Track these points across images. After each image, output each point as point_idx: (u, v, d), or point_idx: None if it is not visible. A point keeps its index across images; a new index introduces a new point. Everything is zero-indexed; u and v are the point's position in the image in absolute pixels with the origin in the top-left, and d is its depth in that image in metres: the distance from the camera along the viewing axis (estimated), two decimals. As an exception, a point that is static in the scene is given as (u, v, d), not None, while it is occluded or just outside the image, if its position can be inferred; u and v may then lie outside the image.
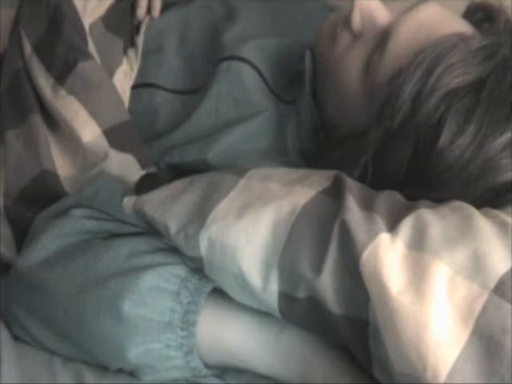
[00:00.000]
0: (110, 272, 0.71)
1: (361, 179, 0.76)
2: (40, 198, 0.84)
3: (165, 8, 1.04)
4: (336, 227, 0.66)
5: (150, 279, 0.70)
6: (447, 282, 0.62)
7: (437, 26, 0.79)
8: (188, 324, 0.70)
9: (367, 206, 0.68)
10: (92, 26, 0.98)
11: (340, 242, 0.65)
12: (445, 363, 0.60)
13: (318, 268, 0.65)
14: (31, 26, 0.96)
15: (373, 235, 0.65)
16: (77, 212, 0.77)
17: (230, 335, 0.72)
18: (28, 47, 0.94)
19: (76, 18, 0.96)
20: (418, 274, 0.63)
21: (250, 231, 0.68)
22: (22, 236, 0.81)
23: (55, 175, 0.87)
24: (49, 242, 0.76)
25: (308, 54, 0.89)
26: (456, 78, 0.74)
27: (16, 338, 0.77)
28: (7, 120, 0.91)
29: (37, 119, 0.89)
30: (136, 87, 0.98)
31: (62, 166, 0.87)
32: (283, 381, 0.72)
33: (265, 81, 0.94)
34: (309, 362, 0.71)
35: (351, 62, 0.83)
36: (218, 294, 0.72)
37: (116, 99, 0.92)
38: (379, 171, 0.77)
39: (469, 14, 0.87)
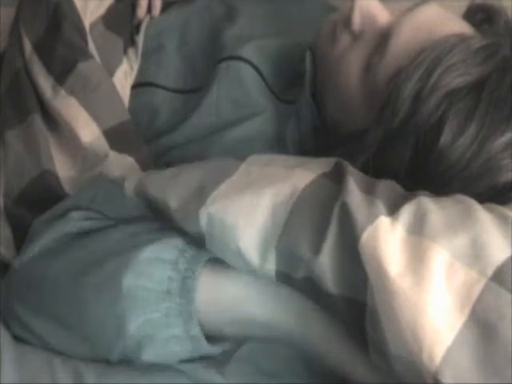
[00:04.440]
0: (109, 252, 0.72)
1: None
2: (40, 198, 0.84)
3: (165, 7, 1.04)
4: (336, 209, 0.66)
5: (148, 252, 0.71)
6: (446, 266, 0.63)
7: (437, 26, 0.79)
8: (186, 291, 0.70)
9: (368, 190, 0.68)
10: (92, 26, 0.98)
11: (340, 223, 0.66)
12: (440, 346, 0.60)
13: (316, 248, 0.65)
14: (31, 26, 0.95)
15: (373, 218, 0.65)
16: (75, 214, 0.77)
17: (230, 289, 0.72)
18: (28, 47, 0.94)
19: (76, 17, 0.96)
20: (417, 257, 0.63)
21: (249, 212, 0.68)
22: (22, 237, 0.81)
23: (55, 176, 0.87)
24: (47, 241, 0.77)
25: (308, 54, 0.89)
26: (456, 78, 0.74)
27: (16, 338, 0.77)
28: (7, 120, 0.91)
29: (37, 119, 0.89)
30: (136, 87, 0.98)
31: (62, 167, 0.88)
32: (279, 330, 0.72)
33: (265, 81, 0.94)
34: (306, 316, 0.71)
35: (351, 63, 0.83)
36: (217, 262, 0.72)
37: (116, 99, 0.92)
38: (379, 170, 0.77)
39: (469, 15, 0.87)
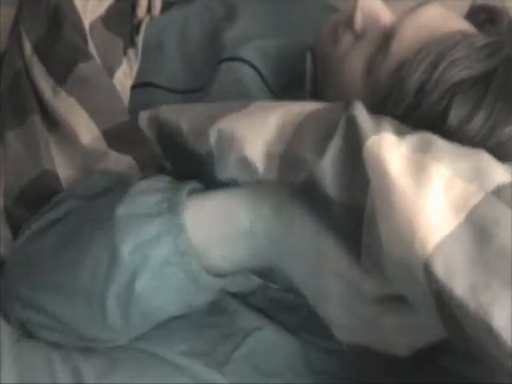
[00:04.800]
0: (103, 208, 0.74)
1: None
2: (40, 198, 0.84)
3: (165, 7, 1.04)
4: (343, 120, 0.67)
5: (139, 186, 0.74)
6: (446, 180, 0.63)
7: (439, 26, 0.79)
8: (174, 206, 0.71)
9: (376, 117, 0.69)
10: (92, 26, 0.98)
11: (345, 131, 0.67)
12: (434, 235, 0.60)
13: (319, 153, 0.66)
14: (31, 26, 0.95)
15: (379, 130, 0.66)
16: (65, 204, 0.79)
17: (217, 201, 0.73)
18: (28, 47, 0.94)
19: (76, 17, 0.96)
20: (418, 167, 0.64)
21: (258, 126, 0.70)
22: None
23: (55, 176, 0.87)
24: (35, 227, 0.79)
25: (309, 54, 0.89)
26: (460, 71, 0.74)
27: (17, 339, 0.78)
28: (7, 120, 0.91)
29: (36, 120, 0.90)
30: (136, 87, 0.98)
31: (62, 167, 0.88)
32: (262, 236, 0.71)
33: (265, 81, 0.94)
34: (291, 219, 0.70)
35: (353, 62, 0.83)
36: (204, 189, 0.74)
37: (116, 100, 0.92)
38: None
39: (471, 16, 0.87)
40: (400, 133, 0.67)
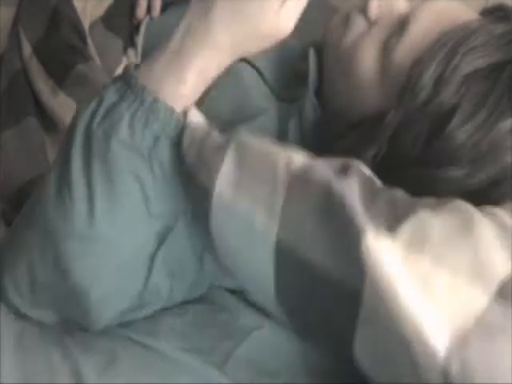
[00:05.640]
0: None
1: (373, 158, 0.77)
2: None
3: (165, 8, 1.04)
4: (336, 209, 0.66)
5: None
6: (449, 285, 0.62)
7: (457, 14, 0.80)
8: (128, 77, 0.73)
9: (370, 199, 0.68)
10: (92, 27, 0.99)
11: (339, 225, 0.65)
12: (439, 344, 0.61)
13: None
14: (31, 27, 0.96)
15: (372, 222, 0.64)
16: None
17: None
18: (27, 48, 0.94)
19: (75, 18, 0.97)
20: (419, 276, 0.63)
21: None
22: None
23: None
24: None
25: (311, 51, 0.89)
26: (478, 59, 0.74)
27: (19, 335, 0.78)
28: (4, 120, 0.91)
29: (33, 121, 0.90)
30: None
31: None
32: None
33: (265, 81, 0.94)
34: None
35: (366, 48, 0.83)
36: None
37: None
38: (392, 151, 0.78)
39: (484, 15, 0.87)
40: (395, 219, 0.66)
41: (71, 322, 0.77)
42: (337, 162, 0.71)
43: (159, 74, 0.73)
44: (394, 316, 0.62)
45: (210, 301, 0.78)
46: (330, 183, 0.66)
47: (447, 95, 0.74)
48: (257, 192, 0.68)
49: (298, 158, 0.69)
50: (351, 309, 0.64)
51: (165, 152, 0.72)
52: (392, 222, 0.66)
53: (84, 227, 0.72)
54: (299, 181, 0.67)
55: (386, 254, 0.63)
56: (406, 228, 0.65)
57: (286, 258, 0.66)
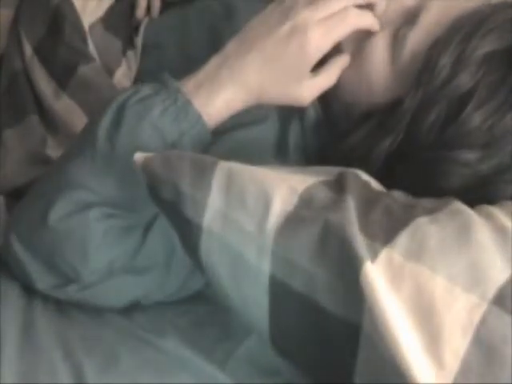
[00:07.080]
0: None
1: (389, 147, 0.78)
2: None
3: (164, 8, 1.04)
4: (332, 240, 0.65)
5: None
6: (445, 290, 0.62)
7: (467, 2, 0.80)
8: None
9: (365, 212, 0.68)
10: (91, 27, 0.99)
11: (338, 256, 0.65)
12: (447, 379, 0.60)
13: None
14: (31, 27, 0.96)
15: (371, 250, 0.64)
16: None
17: None
18: (28, 49, 0.94)
19: (76, 19, 0.97)
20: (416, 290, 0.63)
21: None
22: None
23: None
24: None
25: None
26: (497, 40, 0.75)
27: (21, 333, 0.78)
28: (5, 119, 0.91)
29: (34, 120, 0.90)
30: (135, 87, 0.98)
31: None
32: None
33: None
34: None
35: (374, 41, 0.83)
36: None
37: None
38: (408, 137, 0.78)
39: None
40: (392, 229, 0.66)
41: (61, 278, 0.77)
42: (332, 178, 0.71)
43: (192, 87, 0.77)
44: (388, 346, 0.61)
45: (211, 301, 0.78)
46: (328, 218, 0.66)
47: (466, 77, 0.75)
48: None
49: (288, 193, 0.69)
50: (351, 343, 0.63)
51: (187, 149, 0.75)
52: (389, 233, 0.66)
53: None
54: (291, 221, 0.67)
55: (377, 282, 0.63)
56: (403, 239, 0.65)
57: (280, 292, 0.66)
